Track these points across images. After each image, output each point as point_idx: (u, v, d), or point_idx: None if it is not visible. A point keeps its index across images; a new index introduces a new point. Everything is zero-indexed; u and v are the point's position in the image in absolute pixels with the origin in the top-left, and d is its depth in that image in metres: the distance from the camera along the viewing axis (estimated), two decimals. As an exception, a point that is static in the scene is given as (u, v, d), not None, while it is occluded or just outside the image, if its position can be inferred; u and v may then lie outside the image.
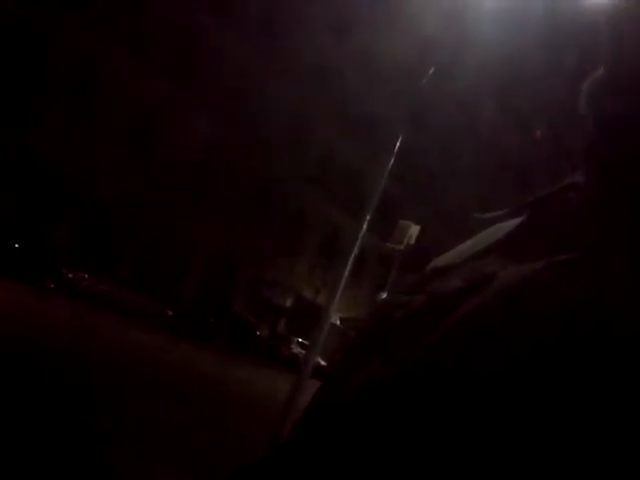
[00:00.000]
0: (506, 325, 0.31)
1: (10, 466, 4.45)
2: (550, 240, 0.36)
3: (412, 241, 14.41)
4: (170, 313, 26.30)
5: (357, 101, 32.50)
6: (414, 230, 14.47)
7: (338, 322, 32.98)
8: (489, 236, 0.40)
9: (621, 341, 0.27)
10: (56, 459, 4.98)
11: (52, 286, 22.22)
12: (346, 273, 7.77)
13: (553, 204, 0.39)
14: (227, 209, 29.62)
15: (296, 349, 28.97)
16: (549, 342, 0.29)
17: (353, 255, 7.83)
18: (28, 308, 14.46)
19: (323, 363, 27.58)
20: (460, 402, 0.29)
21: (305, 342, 26.83)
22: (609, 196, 0.36)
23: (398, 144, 8.67)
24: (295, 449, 0.35)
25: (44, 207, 24.26)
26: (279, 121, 30.69)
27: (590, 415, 0.26)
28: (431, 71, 9.28)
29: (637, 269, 0.31)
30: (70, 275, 23.22)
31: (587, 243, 0.34)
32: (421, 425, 0.29)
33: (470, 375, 0.30)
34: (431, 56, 9.87)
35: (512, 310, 0.31)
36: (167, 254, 28.02)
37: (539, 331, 0.29)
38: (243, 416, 10.11)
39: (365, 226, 8.08)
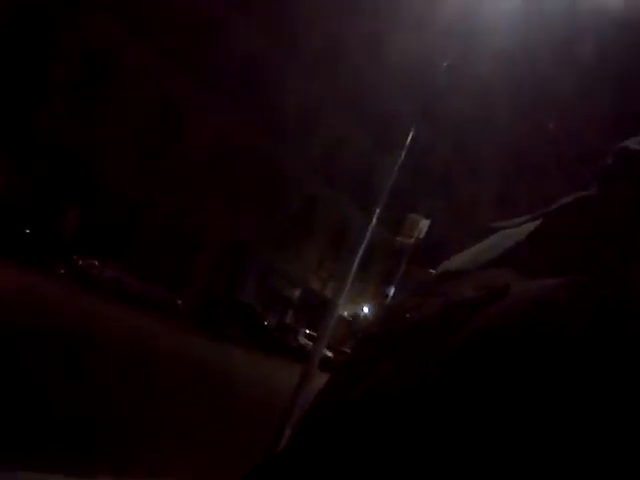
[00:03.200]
0: (521, 341, 0.31)
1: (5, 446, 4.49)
2: (558, 255, 0.37)
3: (422, 235, 14.39)
4: (180, 302, 26.41)
5: (371, 93, 32.39)
6: (424, 224, 14.44)
7: (345, 314, 33.01)
8: (500, 243, 0.41)
9: (630, 363, 0.29)
10: (51, 441, 5.02)
11: (62, 272, 22.34)
12: (355, 266, 7.77)
13: (563, 218, 0.40)
14: (238, 200, 29.65)
15: (303, 340, 29.04)
16: (559, 362, 0.30)
17: (362, 248, 7.82)
18: (35, 292, 14.55)
19: (330, 355, 27.65)
20: (473, 414, 0.30)
21: (313, 334, 26.90)
22: (619, 223, 0.37)
23: (410, 137, 8.64)
24: (301, 449, 0.35)
25: (56, 193, 24.36)
26: (292, 111, 30.64)
27: (599, 434, 0.27)
28: (445, 64, 9.23)
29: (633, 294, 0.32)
30: (80, 262, 23.34)
31: (594, 263, 0.35)
32: (431, 433, 0.30)
33: (484, 388, 0.30)
34: (446, 49, 9.81)
35: (526, 327, 0.32)
36: (178, 243, 28.11)
37: (551, 349, 0.30)
38: (249, 406, 10.14)
39: (375, 219, 8.06)
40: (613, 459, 0.27)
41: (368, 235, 7.90)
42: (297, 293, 34.46)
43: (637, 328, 0.30)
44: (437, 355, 0.33)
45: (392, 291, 30.01)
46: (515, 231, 0.41)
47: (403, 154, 8.49)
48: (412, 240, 14.32)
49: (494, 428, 0.29)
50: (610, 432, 0.28)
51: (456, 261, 0.42)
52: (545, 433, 0.28)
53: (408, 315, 0.38)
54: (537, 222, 0.40)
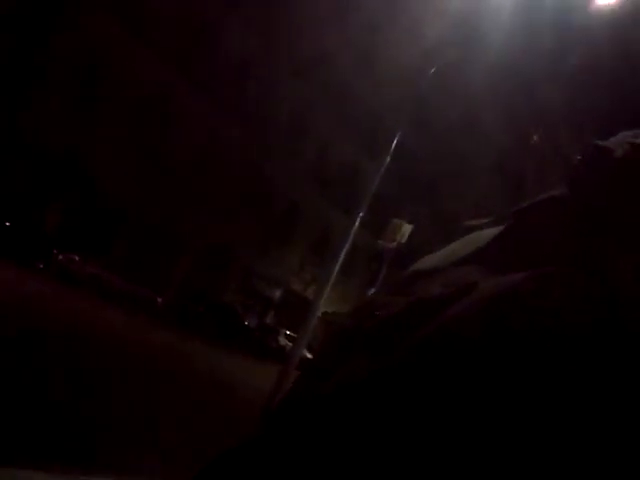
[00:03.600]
0: (483, 335, 0.31)
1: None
2: (528, 252, 0.37)
3: (404, 240, 14.44)
4: (159, 300, 26.26)
5: (356, 98, 32.48)
6: (406, 229, 14.50)
7: (326, 317, 33.00)
8: (471, 242, 0.41)
9: (594, 352, 0.28)
10: (37, 439, 4.98)
11: (41, 267, 22.12)
12: (336, 268, 7.78)
13: (533, 216, 0.40)
14: (222, 200, 29.57)
15: (284, 341, 29.00)
16: (524, 353, 0.30)
17: (344, 251, 7.84)
18: (12, 287, 14.40)
19: (310, 356, 27.62)
20: (436, 402, 0.30)
21: (293, 335, 26.86)
22: (588, 218, 0.37)
23: (395, 142, 8.68)
24: (273, 437, 0.35)
25: (38, 188, 24.13)
26: (278, 115, 30.63)
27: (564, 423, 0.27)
28: (432, 70, 9.29)
29: (605, 284, 0.32)
30: (60, 257, 23.13)
31: (563, 257, 0.35)
32: (396, 421, 0.30)
33: (445, 379, 0.31)
34: (432, 56, 9.87)
35: (490, 320, 0.32)
36: (160, 242, 27.96)
37: (514, 342, 0.30)
38: (228, 405, 10.12)
39: (357, 222, 8.09)
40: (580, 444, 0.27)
41: (350, 238, 7.92)
42: (278, 294, 34.43)
43: (609, 318, 0.30)
44: (402, 348, 0.34)
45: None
46: (488, 231, 0.42)
47: (388, 159, 8.53)
48: (394, 244, 14.37)
49: (453, 413, 0.29)
50: (557, 414, 0.27)
51: (428, 261, 0.42)
52: (489, 412, 0.28)
53: (377, 313, 0.38)
54: (506, 222, 0.41)
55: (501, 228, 0.41)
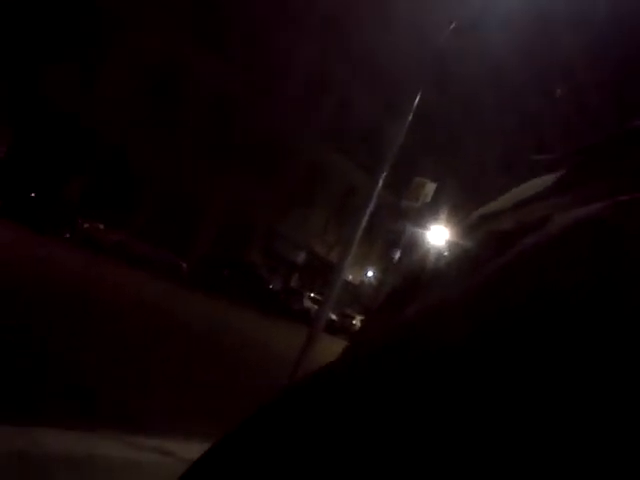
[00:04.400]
0: (559, 267, 0.29)
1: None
2: (609, 183, 0.33)
3: (428, 199, 14.31)
4: (184, 265, 26.55)
5: (377, 55, 31.96)
6: (430, 188, 14.35)
7: (351, 278, 33.13)
8: (536, 184, 0.38)
9: None
10: (50, 398, 5.09)
11: (67, 235, 22.44)
12: (360, 230, 7.76)
13: (611, 148, 0.37)
14: (243, 162, 29.55)
15: (308, 304, 29.22)
16: (604, 286, 0.27)
17: (367, 212, 7.81)
18: (40, 255, 14.64)
19: (335, 318, 27.83)
20: (512, 332, 0.27)
21: (318, 297, 27.03)
22: None
23: (417, 100, 8.54)
24: (329, 380, 0.33)
25: (62, 158, 24.32)
26: (297, 75, 30.31)
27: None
28: (452, 25, 9.08)
29: None
30: (86, 225, 23.41)
31: None
32: (473, 352, 0.28)
33: (523, 310, 0.28)
34: (453, 9, 9.64)
35: (566, 251, 0.29)
36: (183, 207, 28.13)
37: (593, 274, 0.28)
38: (254, 366, 10.26)
39: (380, 182, 8.03)
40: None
41: (374, 199, 7.87)
42: (302, 257, 34.56)
43: None
44: (466, 283, 0.31)
45: (398, 255, 30.05)
46: (550, 176, 0.38)
47: (410, 117, 8.41)
48: (418, 204, 14.26)
49: (519, 353, 0.27)
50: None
51: (493, 205, 0.39)
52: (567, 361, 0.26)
53: (438, 261, 0.37)
54: (580, 157, 0.38)
55: (569, 167, 0.38)
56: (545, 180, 0.37)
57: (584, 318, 0.26)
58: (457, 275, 0.33)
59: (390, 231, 32.84)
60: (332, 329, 22.90)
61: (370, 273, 38.19)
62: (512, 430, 0.26)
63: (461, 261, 0.35)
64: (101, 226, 23.76)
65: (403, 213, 24.10)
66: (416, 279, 0.37)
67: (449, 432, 0.27)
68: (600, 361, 0.25)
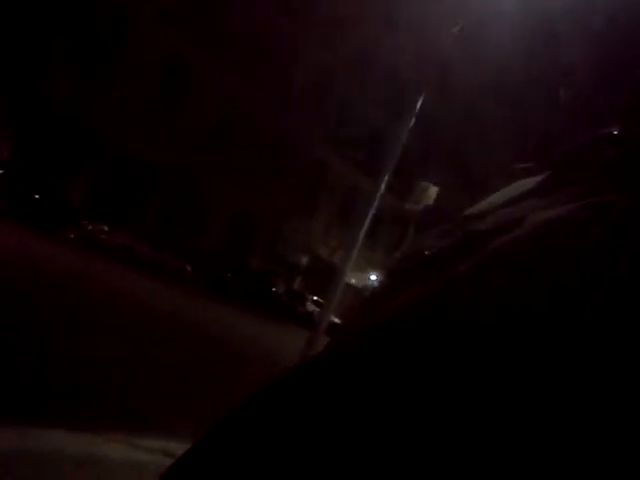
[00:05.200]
0: (532, 261, 0.30)
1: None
2: (583, 187, 0.35)
3: (431, 202, 14.34)
4: (189, 268, 26.55)
5: (380, 58, 31.98)
6: (433, 191, 14.38)
7: (353, 282, 33.12)
8: (521, 185, 0.41)
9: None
10: (52, 399, 5.10)
11: (72, 237, 22.46)
12: (362, 233, 7.76)
13: (587, 154, 0.39)
14: (247, 166, 29.57)
15: (311, 307, 29.20)
16: (574, 278, 0.29)
17: (370, 215, 7.81)
18: (45, 259, 14.65)
19: (338, 321, 27.81)
20: (482, 327, 0.29)
21: (321, 300, 27.02)
22: None
23: (419, 103, 8.55)
24: (316, 368, 0.35)
25: (66, 159, 24.36)
26: (300, 78, 30.34)
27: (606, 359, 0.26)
28: (455, 29, 9.08)
29: None
30: (90, 227, 23.44)
31: (624, 189, 0.33)
32: (448, 347, 0.29)
33: (493, 307, 0.30)
34: (457, 13, 9.65)
35: (539, 246, 0.31)
36: (187, 210, 28.16)
37: (564, 267, 0.29)
38: (255, 369, 10.26)
39: (383, 186, 8.03)
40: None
41: (376, 202, 7.88)
42: (305, 260, 34.56)
43: None
44: (450, 275, 0.33)
45: (400, 258, 29.97)
46: (534, 179, 0.40)
47: (412, 120, 8.42)
48: (421, 207, 14.27)
49: (494, 339, 0.28)
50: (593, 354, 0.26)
51: (479, 205, 0.42)
52: (536, 347, 0.27)
53: (427, 252, 0.38)
54: (557, 163, 0.40)
55: (551, 169, 0.40)
56: (528, 182, 0.39)
57: (546, 319, 0.28)
58: (435, 272, 0.35)
59: (393, 235, 32.83)
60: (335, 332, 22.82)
61: (374, 277, 38.15)
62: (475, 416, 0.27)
63: (439, 258, 0.36)
64: (105, 228, 23.79)
65: (406, 216, 24.10)
66: (398, 276, 0.39)
67: (439, 413, 0.28)
68: (561, 357, 0.26)
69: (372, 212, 7.81)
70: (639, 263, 0.28)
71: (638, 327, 0.26)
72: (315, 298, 30.07)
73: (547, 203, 0.35)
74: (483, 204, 0.41)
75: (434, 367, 0.29)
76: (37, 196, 22.42)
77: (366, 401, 0.30)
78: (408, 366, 0.30)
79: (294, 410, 0.33)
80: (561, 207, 0.33)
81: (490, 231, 0.35)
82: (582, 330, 0.27)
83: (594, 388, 0.26)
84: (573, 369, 0.26)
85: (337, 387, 0.31)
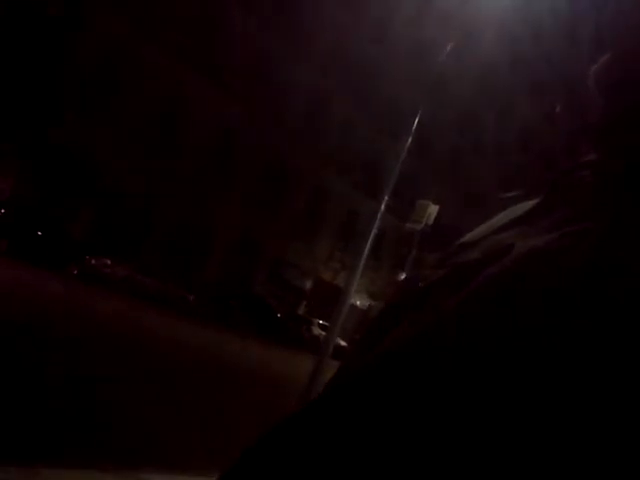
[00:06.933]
0: (516, 292, 0.31)
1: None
2: (566, 215, 0.36)
3: (431, 221, 14.34)
4: (192, 297, 26.51)
5: (375, 79, 32.26)
6: (433, 210, 14.39)
7: (358, 303, 33.04)
8: (512, 212, 0.41)
9: (626, 310, 0.28)
10: (52, 436, 5.06)
11: (75, 272, 22.48)
12: (365, 254, 7.76)
13: (570, 181, 0.40)
14: (246, 192, 29.68)
15: (317, 331, 29.07)
16: (556, 309, 0.30)
17: (372, 236, 7.81)
18: (47, 292, 14.65)
19: (343, 344, 27.67)
20: (474, 364, 0.30)
21: (326, 324, 26.91)
22: (620, 171, 0.36)
23: (416, 122, 8.60)
24: (319, 410, 0.36)
25: (67, 195, 24.48)
26: (298, 102, 30.58)
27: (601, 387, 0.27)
28: (449, 47, 9.17)
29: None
30: (93, 261, 23.47)
31: (600, 215, 0.34)
32: (439, 385, 0.30)
33: (482, 340, 0.31)
34: (450, 32, 9.76)
35: (522, 277, 0.32)
36: (188, 239, 28.20)
37: (547, 298, 0.30)
38: (265, 396, 10.19)
39: (383, 206, 8.05)
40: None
41: (377, 223, 7.89)
42: (309, 284, 34.50)
43: (631, 277, 0.29)
44: (439, 310, 0.34)
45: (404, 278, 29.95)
46: (525, 204, 0.41)
47: (409, 140, 8.47)
48: (421, 226, 14.27)
49: (488, 376, 0.29)
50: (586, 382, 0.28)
51: (472, 233, 0.43)
52: (534, 382, 0.28)
53: (420, 284, 0.39)
54: (544, 191, 0.40)
55: (539, 197, 0.41)
56: (519, 208, 0.40)
57: (527, 356, 0.29)
58: (427, 306, 0.36)
59: (395, 255, 32.82)
60: (343, 356, 22.70)
61: (375, 301, 38.02)
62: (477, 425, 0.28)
63: (430, 291, 0.37)
64: (108, 261, 23.82)
65: (407, 236, 24.12)
66: (399, 303, 0.39)
67: (445, 430, 0.29)
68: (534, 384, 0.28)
69: (373, 232, 7.81)
70: (615, 292, 0.29)
71: (613, 357, 0.27)
72: (321, 322, 29.95)
73: (534, 230, 0.36)
74: (477, 231, 0.43)
75: (422, 408, 0.30)
76: (40, 232, 22.49)
77: (364, 442, 0.31)
78: (396, 407, 0.31)
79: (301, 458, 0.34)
80: (542, 236, 0.34)
81: (479, 261, 0.36)
82: (564, 365, 0.28)
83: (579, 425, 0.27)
84: (559, 403, 0.27)
85: (335, 432, 0.33)
